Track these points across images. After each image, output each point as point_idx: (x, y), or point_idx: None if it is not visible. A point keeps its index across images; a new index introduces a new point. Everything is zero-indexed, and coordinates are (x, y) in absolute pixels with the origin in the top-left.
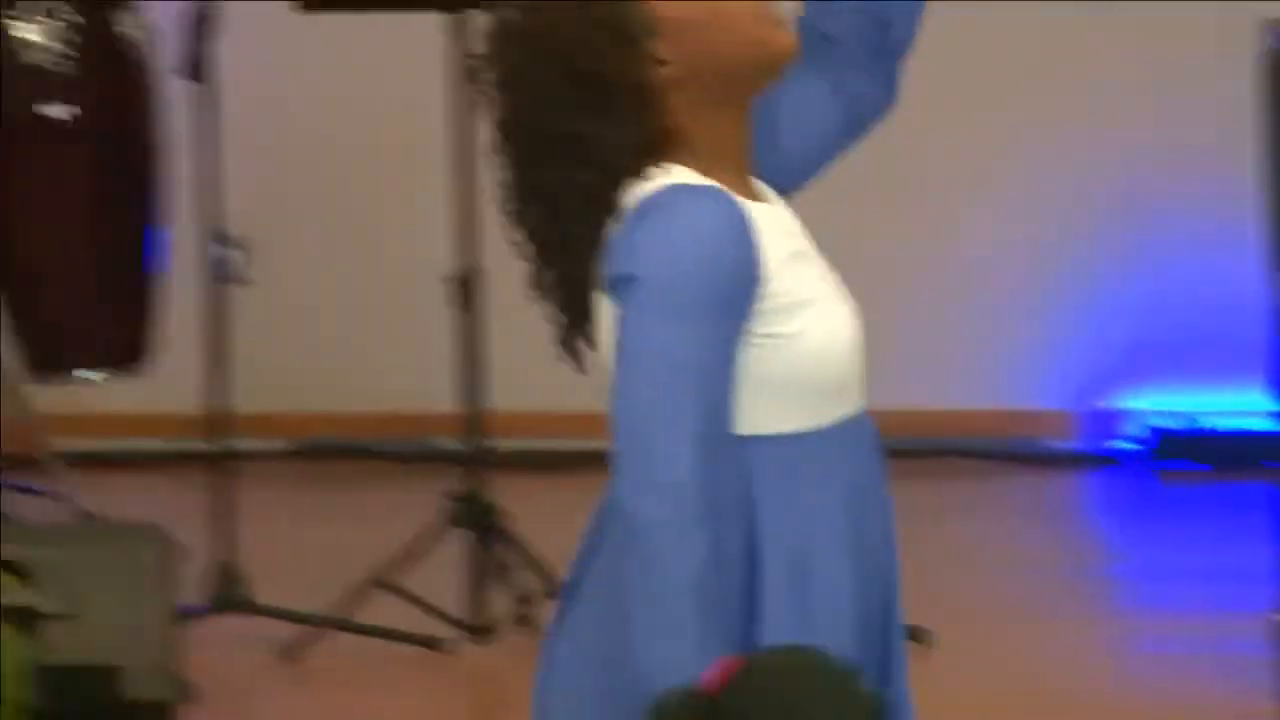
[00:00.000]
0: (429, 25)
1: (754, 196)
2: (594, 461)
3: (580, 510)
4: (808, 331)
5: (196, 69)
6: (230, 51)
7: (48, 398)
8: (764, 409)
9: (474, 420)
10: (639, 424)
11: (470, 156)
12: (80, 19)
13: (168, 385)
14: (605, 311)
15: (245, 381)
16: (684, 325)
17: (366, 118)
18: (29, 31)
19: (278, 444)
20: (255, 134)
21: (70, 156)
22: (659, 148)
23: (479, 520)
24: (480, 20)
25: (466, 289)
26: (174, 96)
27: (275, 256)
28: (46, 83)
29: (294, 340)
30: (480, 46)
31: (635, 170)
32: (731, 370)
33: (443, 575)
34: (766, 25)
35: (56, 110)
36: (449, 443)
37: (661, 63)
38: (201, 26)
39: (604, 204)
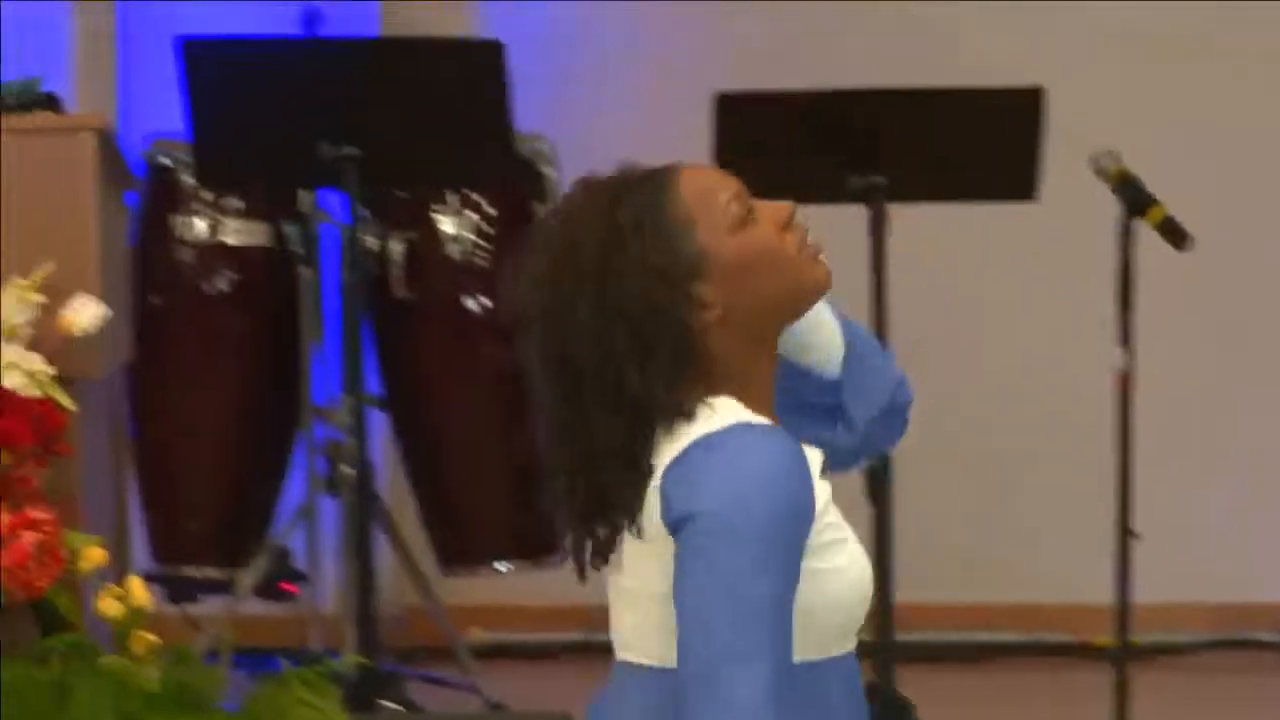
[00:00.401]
0: None
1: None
2: (996, 654)
3: (982, 701)
4: (843, 567)
5: None
6: None
7: (457, 588)
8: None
9: (884, 614)
10: (717, 658)
11: None
12: (495, 210)
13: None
14: (645, 550)
15: None
16: (754, 560)
17: None
18: (447, 224)
19: None
20: None
21: (483, 349)
22: (698, 386)
23: (887, 712)
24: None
25: (879, 482)
26: None
27: None
28: (463, 275)
29: None
30: (523, 274)
31: (672, 410)
32: (793, 603)
33: None
34: (808, 261)
35: (472, 303)
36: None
37: (706, 306)
38: None
39: (639, 441)
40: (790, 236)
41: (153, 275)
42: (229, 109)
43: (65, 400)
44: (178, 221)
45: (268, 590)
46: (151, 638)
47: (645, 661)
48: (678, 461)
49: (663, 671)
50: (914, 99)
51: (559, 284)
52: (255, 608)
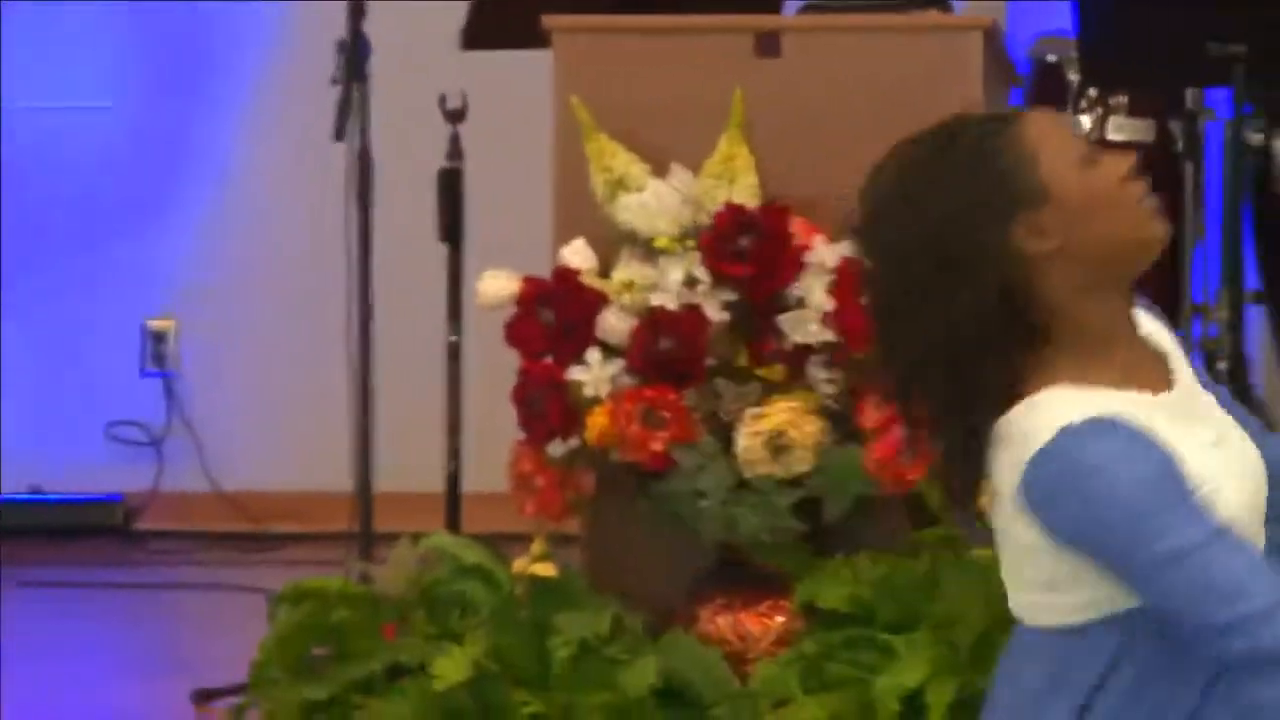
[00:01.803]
0: None
1: (1142, 383)
2: None
3: None
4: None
5: None
6: None
7: None
8: None
9: None
10: (1212, 593)
11: None
12: None
13: None
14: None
15: None
16: (1172, 523)
17: None
18: None
19: None
20: None
21: None
22: (1039, 328)
23: None
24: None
25: None
26: None
27: None
28: None
29: None
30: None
31: (1013, 348)
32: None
33: None
34: (1148, 213)
35: None
36: None
37: (1044, 234)
38: None
39: (961, 393)
40: (1133, 187)
41: None
42: (1116, 7)
43: None
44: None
45: None
46: None
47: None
48: (1045, 455)
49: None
50: None
51: (888, 223)
52: None
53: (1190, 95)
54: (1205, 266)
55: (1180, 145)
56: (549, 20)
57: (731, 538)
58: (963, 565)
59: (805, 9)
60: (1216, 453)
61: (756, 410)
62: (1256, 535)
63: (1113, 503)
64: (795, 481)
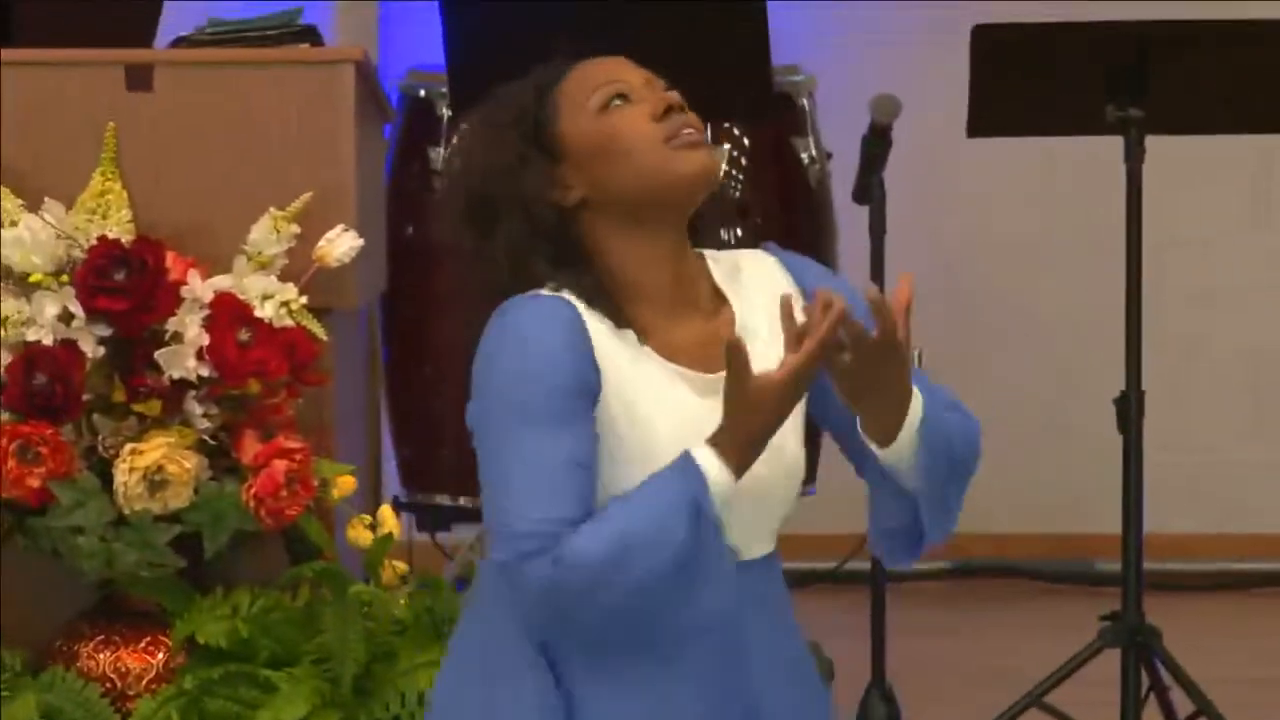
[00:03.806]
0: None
1: (689, 318)
2: (1249, 581)
3: (1235, 633)
4: (622, 441)
5: (865, 192)
6: (896, 175)
7: None
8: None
9: (1132, 542)
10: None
11: (1137, 277)
12: (748, 142)
13: (829, 506)
14: None
15: None
16: (524, 429)
17: (1041, 236)
18: None
19: (938, 564)
20: (915, 256)
21: None
22: (582, 268)
23: (1134, 640)
24: None
25: (1129, 411)
26: (844, 219)
27: (943, 375)
28: (717, 207)
29: None
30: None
31: (564, 281)
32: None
33: (1096, 696)
34: (673, 151)
35: (725, 234)
36: (1108, 564)
37: (566, 188)
38: (873, 151)
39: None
40: (662, 124)
41: (408, 206)
42: (485, 39)
43: (319, 330)
44: (434, 153)
45: None
46: (401, 566)
47: None
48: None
49: None
50: (1178, 31)
51: (458, 171)
52: None
53: None
54: None
55: None
56: None
57: (111, 574)
58: (342, 599)
59: (176, 42)
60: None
61: (134, 445)
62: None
63: (509, 363)
64: (174, 517)
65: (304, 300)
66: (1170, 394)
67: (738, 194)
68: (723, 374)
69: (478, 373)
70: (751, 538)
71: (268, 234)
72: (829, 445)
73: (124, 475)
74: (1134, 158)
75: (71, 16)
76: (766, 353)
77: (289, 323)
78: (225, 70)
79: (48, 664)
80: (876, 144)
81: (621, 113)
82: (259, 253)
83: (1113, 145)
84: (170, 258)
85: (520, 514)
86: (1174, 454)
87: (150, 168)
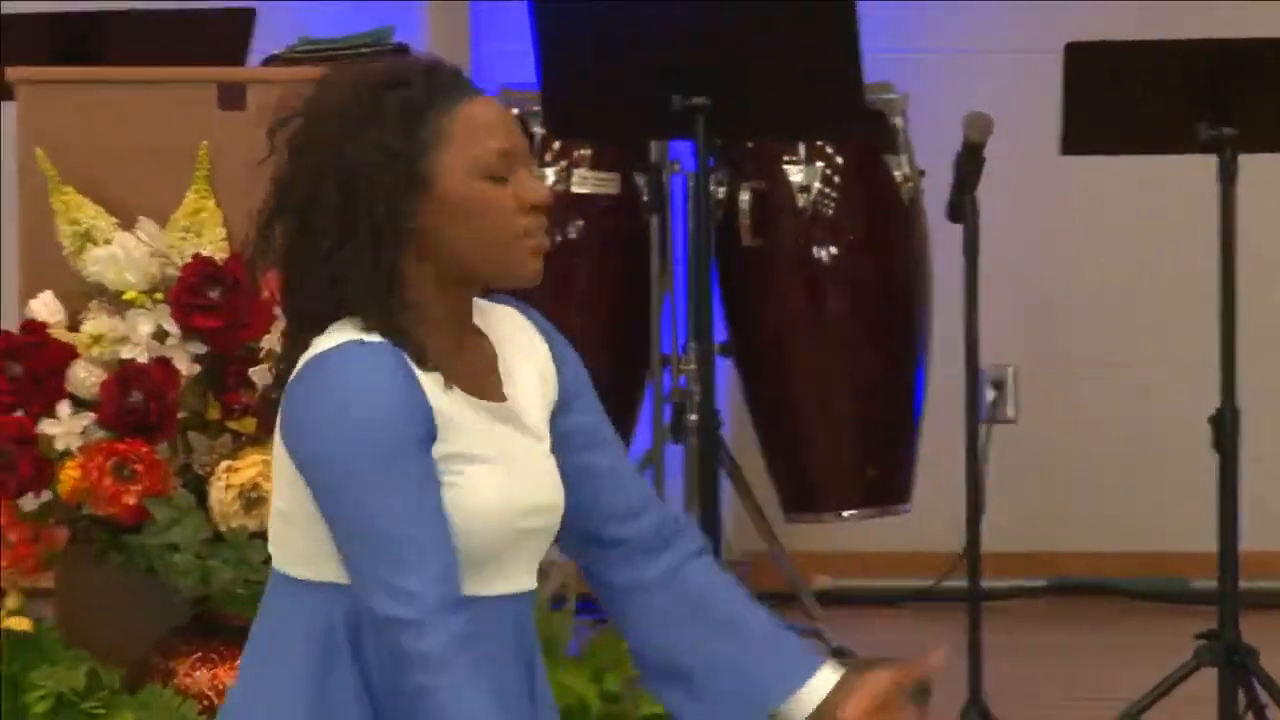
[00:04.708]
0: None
1: (467, 380)
2: None
3: None
4: (462, 490)
5: (959, 210)
6: (990, 193)
7: (802, 535)
8: None
9: (1229, 560)
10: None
11: (1232, 294)
12: (842, 160)
13: (925, 524)
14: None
15: (1001, 518)
16: (369, 489)
17: (1134, 254)
18: (795, 174)
19: (1035, 581)
20: (1008, 274)
21: (831, 298)
22: (393, 285)
23: (1230, 659)
24: None
25: (1225, 428)
26: (937, 237)
27: (1036, 394)
28: (811, 225)
29: (1050, 478)
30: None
31: (365, 288)
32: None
33: (1193, 715)
34: (525, 249)
35: (821, 252)
36: (1203, 582)
37: (412, 213)
38: (966, 169)
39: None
40: (526, 219)
41: None
42: (578, 58)
43: None
44: None
45: None
46: None
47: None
48: (296, 378)
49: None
50: (1272, 49)
51: (311, 125)
52: None
53: (655, 147)
54: (674, 319)
55: (646, 197)
56: (11, 72)
57: (206, 591)
58: None
59: (269, 61)
60: (507, 459)
61: (229, 463)
62: (506, 545)
63: (339, 422)
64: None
65: None
66: (1265, 411)
67: (831, 212)
68: (507, 402)
69: (316, 422)
70: (532, 570)
71: None
72: (924, 464)
73: (219, 492)
74: (1227, 177)
75: (164, 36)
76: (525, 405)
77: None
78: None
79: (144, 681)
80: (970, 162)
81: (496, 191)
82: None
83: (1210, 165)
84: (264, 276)
85: (400, 574)
86: (1270, 471)
87: (243, 185)
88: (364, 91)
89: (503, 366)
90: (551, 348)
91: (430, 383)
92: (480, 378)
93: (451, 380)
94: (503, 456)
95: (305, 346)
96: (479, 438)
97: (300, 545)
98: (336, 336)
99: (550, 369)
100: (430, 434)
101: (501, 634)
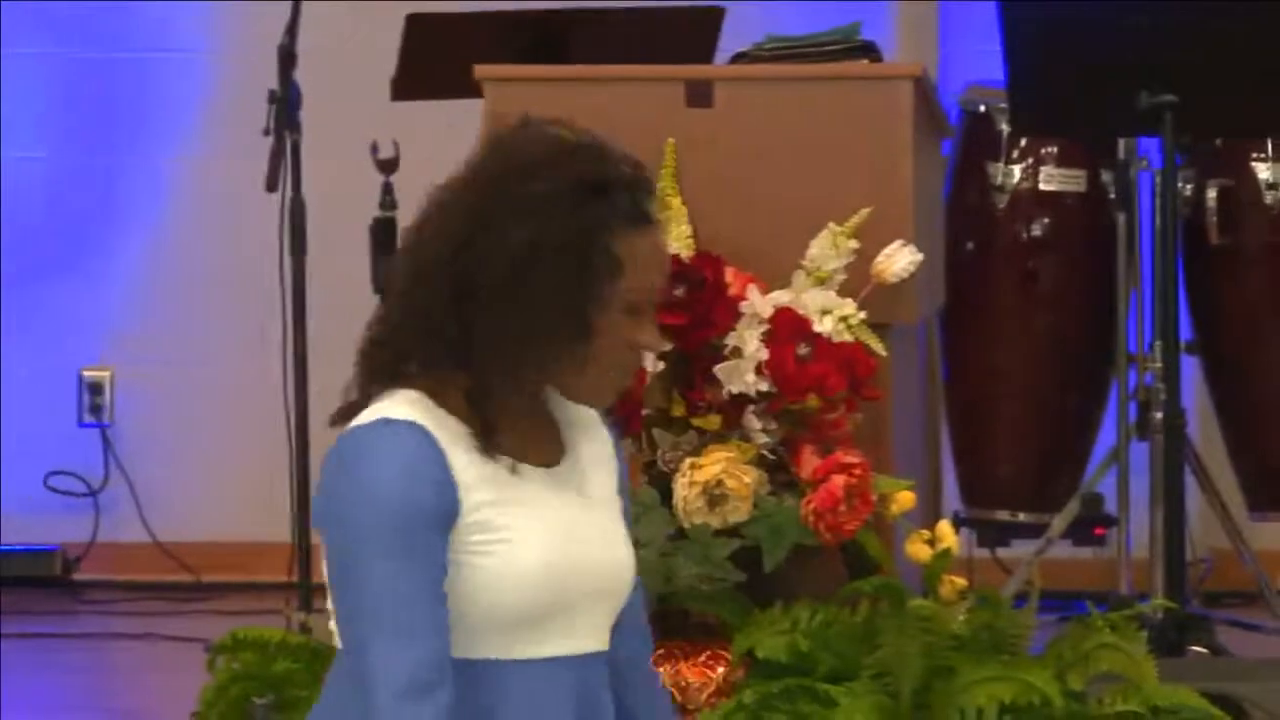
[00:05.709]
0: None
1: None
2: None
3: None
4: (490, 565)
5: None
6: None
7: (1268, 533)
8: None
9: None
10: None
11: None
12: None
13: None
14: None
15: None
16: (383, 561)
17: None
18: (1264, 171)
19: None
20: None
21: None
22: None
23: None
24: None
25: None
26: None
27: None
28: (1279, 222)
29: None
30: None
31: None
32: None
33: None
34: (611, 381)
35: None
36: None
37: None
38: None
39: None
40: (633, 357)
41: (967, 221)
42: (1046, 57)
43: (877, 345)
44: (993, 168)
45: (1079, 534)
46: (960, 581)
47: None
48: (331, 449)
49: None
50: None
51: (487, 191)
52: (1064, 551)
53: (1122, 144)
54: (1140, 317)
55: (1112, 195)
56: (480, 70)
57: (669, 588)
58: (901, 614)
59: (736, 58)
60: (563, 521)
61: (693, 460)
62: (562, 606)
63: (354, 501)
64: (733, 531)
65: (863, 315)
66: None
67: None
68: (562, 466)
69: (338, 500)
70: (600, 631)
71: (827, 249)
72: None
73: (683, 489)
74: None
75: (630, 34)
76: (589, 472)
77: (847, 338)
78: (784, 86)
79: None
80: None
81: (627, 323)
82: (818, 268)
83: None
84: (729, 273)
85: (399, 656)
86: None
87: (709, 183)
88: (564, 188)
89: (566, 438)
90: (613, 438)
91: (466, 456)
92: (541, 445)
93: (510, 446)
94: (559, 518)
95: (368, 399)
96: (531, 500)
97: None
98: (376, 410)
99: (611, 453)
100: (450, 512)
101: (555, 698)
